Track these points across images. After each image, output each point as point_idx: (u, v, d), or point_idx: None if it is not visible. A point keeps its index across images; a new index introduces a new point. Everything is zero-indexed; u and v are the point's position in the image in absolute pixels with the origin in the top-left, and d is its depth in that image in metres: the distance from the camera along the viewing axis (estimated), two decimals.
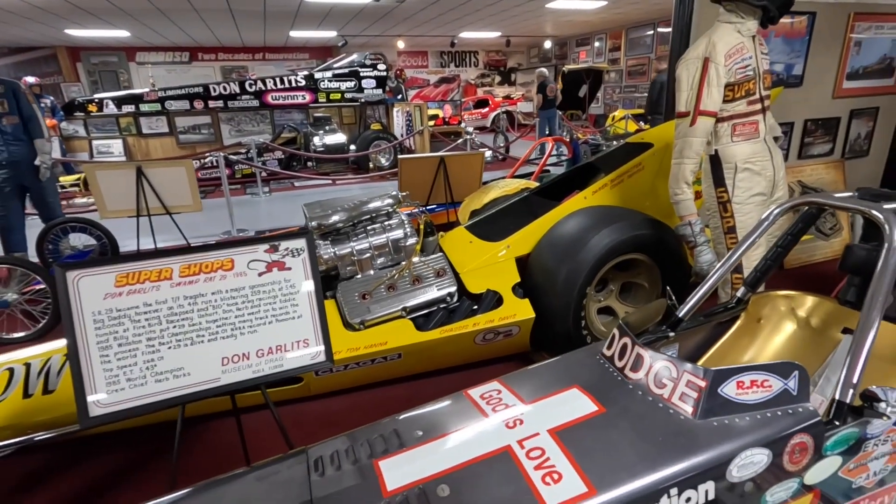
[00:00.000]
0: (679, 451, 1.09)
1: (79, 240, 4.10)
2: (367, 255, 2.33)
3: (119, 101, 8.23)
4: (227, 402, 1.62)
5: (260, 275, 1.38)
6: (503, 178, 4.23)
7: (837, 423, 1.18)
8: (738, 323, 1.82)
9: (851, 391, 1.19)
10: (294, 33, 12.50)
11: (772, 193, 2.17)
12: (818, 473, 1.19)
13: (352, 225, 2.40)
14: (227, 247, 1.37)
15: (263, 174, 7.76)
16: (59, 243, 4.07)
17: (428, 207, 3.55)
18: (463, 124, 10.11)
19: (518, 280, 2.41)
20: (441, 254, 2.43)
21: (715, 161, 2.11)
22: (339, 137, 8.86)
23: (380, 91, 9.22)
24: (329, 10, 9.83)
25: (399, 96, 9.71)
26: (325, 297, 2.32)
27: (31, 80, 8.38)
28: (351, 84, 9.10)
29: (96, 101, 8.13)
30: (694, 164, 2.07)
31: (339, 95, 9.11)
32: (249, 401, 2.08)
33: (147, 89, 8.71)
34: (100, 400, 1.25)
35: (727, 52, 1.96)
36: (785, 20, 3.36)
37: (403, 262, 2.33)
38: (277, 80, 8.90)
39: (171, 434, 1.40)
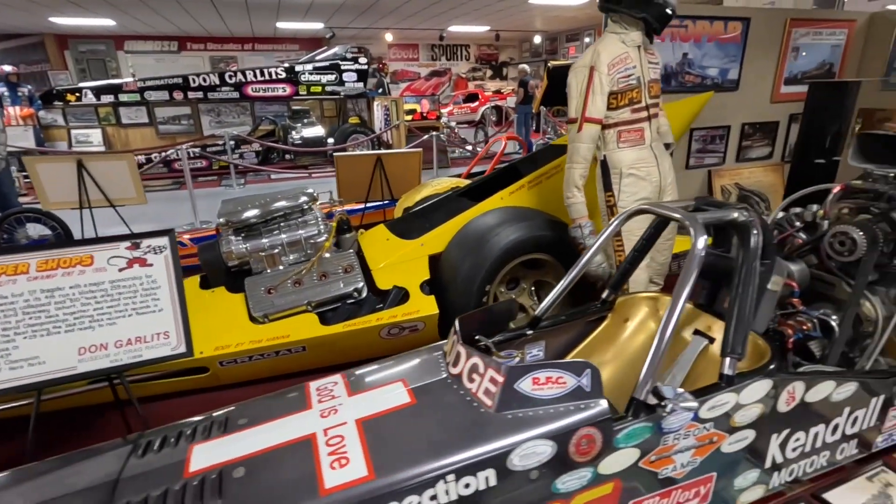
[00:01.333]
0: (468, 440, 1.18)
1: (34, 230, 4.20)
2: (277, 250, 2.42)
3: (98, 91, 8.27)
4: (108, 393, 1.70)
5: (120, 270, 1.48)
6: (458, 175, 4.32)
7: (632, 418, 1.27)
8: (605, 322, 1.92)
9: (646, 389, 1.28)
10: (281, 24, 12.51)
11: (659, 198, 2.24)
12: (613, 464, 1.29)
13: (265, 221, 2.49)
14: (87, 244, 1.46)
15: (239, 167, 7.83)
16: (15, 233, 4.17)
17: (367, 206, 3.63)
18: (444, 118, 10.15)
19: (427, 277, 2.50)
20: (351, 251, 2.52)
21: (603, 166, 2.19)
22: (318, 130, 8.92)
23: (361, 85, 9.27)
24: (311, 2, 9.84)
25: (380, 90, 9.75)
26: (235, 291, 2.42)
27: (7, 68, 8.42)
28: (332, 77, 9.14)
29: (75, 90, 8.18)
30: (582, 168, 2.15)
31: (319, 88, 9.15)
32: (143, 391, 2.14)
33: (129, 80, 8.75)
34: None
35: (610, 61, 2.03)
36: (719, 25, 3.42)
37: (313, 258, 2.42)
38: (258, 71, 8.94)
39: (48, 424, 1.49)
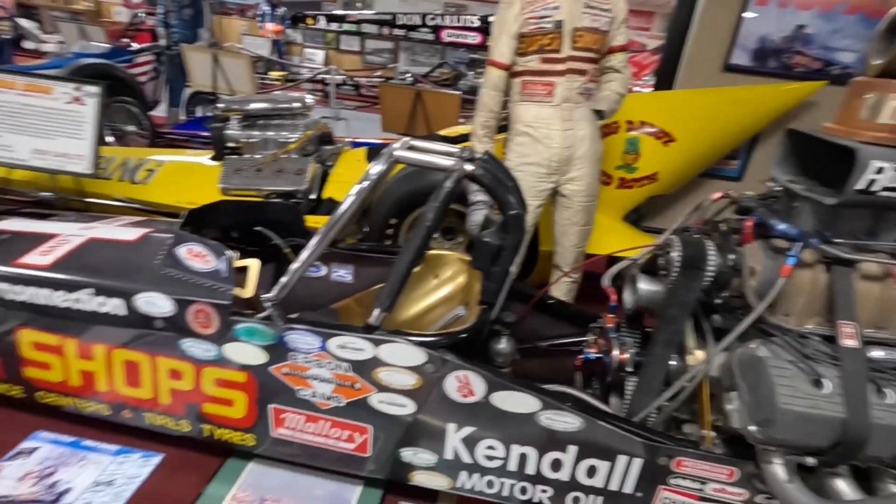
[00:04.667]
0: (124, 278, 1.41)
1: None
2: (256, 141, 2.84)
3: (329, 19, 9.92)
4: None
5: (66, 103, 2.06)
6: None
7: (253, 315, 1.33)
8: (414, 270, 1.83)
9: (271, 294, 1.30)
10: None
11: (558, 170, 1.90)
12: (238, 354, 1.37)
13: (260, 116, 2.92)
14: (52, 79, 2.07)
15: None
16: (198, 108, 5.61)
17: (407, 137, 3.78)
18: None
19: None
20: (310, 157, 2.80)
21: (509, 119, 1.96)
22: None
23: None
24: None
25: None
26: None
27: None
28: None
29: (313, 16, 9.96)
30: (483, 117, 1.97)
31: None
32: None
33: (353, 11, 10.23)
34: None
35: None
36: None
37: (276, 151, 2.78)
38: (455, 17, 9.47)
39: None
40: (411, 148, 1.37)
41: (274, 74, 9.36)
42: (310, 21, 10.04)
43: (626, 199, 2.73)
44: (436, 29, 9.69)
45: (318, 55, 10.33)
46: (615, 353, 1.39)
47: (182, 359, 1.42)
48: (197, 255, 1.38)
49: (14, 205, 2.72)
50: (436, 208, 1.25)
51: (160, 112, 5.67)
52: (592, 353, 1.48)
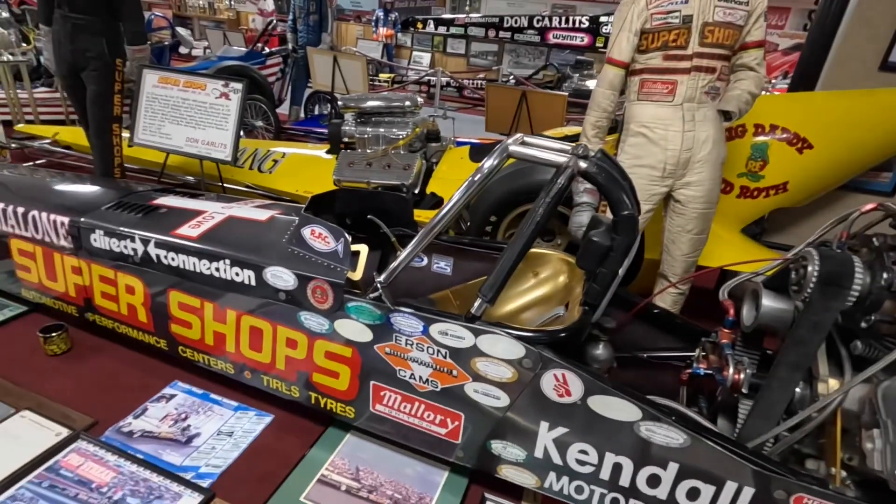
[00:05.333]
0: (260, 252, 1.58)
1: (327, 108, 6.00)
2: (369, 137, 3.01)
3: (437, 23, 10.24)
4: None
5: (216, 98, 2.35)
6: None
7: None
8: None
9: (383, 276, 1.39)
10: None
11: (673, 173, 1.79)
12: (347, 329, 1.49)
13: (374, 113, 3.09)
14: (207, 77, 2.37)
15: None
16: (315, 106, 6.06)
17: None
18: None
19: None
20: (417, 154, 2.90)
21: (623, 121, 1.88)
22: (593, 84, 8.82)
23: None
24: None
25: None
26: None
27: None
28: None
29: (423, 20, 10.34)
30: (595, 117, 1.91)
31: None
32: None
33: (460, 16, 10.45)
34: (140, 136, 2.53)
35: None
36: None
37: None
38: (563, 19, 9.30)
39: None
40: (524, 143, 1.38)
41: (383, 76, 9.85)
42: (419, 25, 10.45)
43: (746, 209, 2.50)
44: (542, 31, 9.60)
45: (426, 58, 10.66)
46: (730, 371, 1.28)
47: (298, 329, 1.56)
48: (319, 237, 1.51)
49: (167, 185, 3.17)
50: (546, 204, 1.25)
51: (283, 110, 6.23)
52: (702, 368, 1.38)
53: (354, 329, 1.47)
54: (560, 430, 1.33)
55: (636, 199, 1.35)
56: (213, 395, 1.84)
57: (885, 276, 1.08)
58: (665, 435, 1.22)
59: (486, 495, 1.55)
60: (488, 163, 1.32)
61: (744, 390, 1.32)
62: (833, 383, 1.19)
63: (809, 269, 1.15)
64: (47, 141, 3.82)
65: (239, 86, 2.41)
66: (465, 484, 1.57)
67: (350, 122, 3.13)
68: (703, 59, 1.71)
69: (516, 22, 9.64)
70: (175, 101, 2.50)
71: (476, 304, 1.31)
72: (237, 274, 1.58)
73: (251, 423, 1.74)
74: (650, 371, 1.75)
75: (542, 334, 1.32)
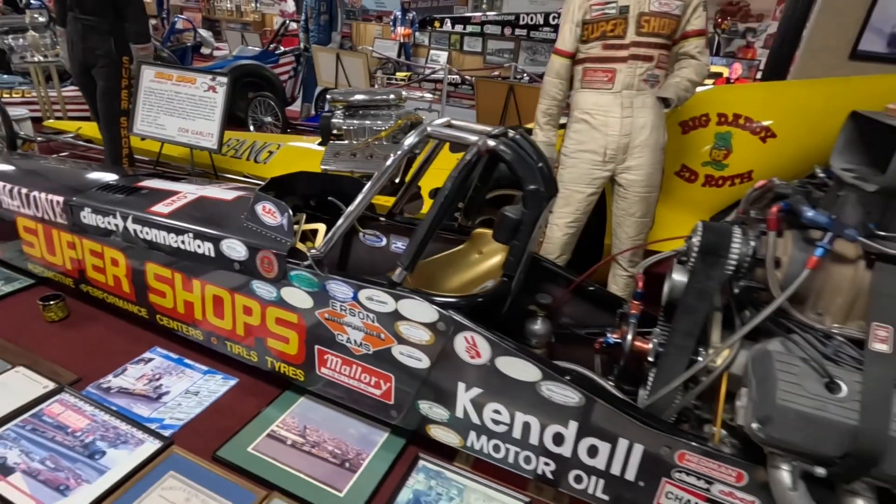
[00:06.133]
0: (222, 226, 1.74)
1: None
2: (355, 129, 3.17)
3: (453, 21, 10.36)
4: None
5: (204, 91, 2.55)
6: None
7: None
8: (460, 247, 1.95)
9: (318, 249, 1.53)
10: None
11: (614, 158, 1.85)
12: (292, 297, 1.63)
13: (361, 106, 3.24)
14: (195, 71, 2.57)
15: None
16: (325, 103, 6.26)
17: None
18: None
19: (439, 187, 2.84)
20: (399, 144, 3.04)
21: (570, 109, 1.96)
22: None
23: None
24: None
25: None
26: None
27: None
28: None
29: (440, 19, 10.47)
30: (546, 105, 2.00)
31: None
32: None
33: (477, 14, 10.54)
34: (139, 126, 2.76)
35: None
36: None
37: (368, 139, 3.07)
38: None
39: None
40: (449, 125, 1.49)
41: (400, 75, 10.04)
42: (437, 24, 10.59)
43: (713, 197, 2.53)
44: (558, 28, 9.57)
45: (443, 56, 10.79)
46: (628, 337, 1.37)
47: (252, 297, 1.71)
48: (268, 212, 1.66)
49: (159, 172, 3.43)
50: (453, 179, 1.36)
51: (295, 107, 6.48)
52: (613, 337, 1.46)
53: (297, 296, 1.61)
54: (475, 391, 1.44)
55: (549, 178, 1.44)
56: (186, 360, 2.02)
57: (751, 244, 1.15)
58: (562, 394, 1.31)
59: (421, 454, 1.66)
60: (408, 140, 1.43)
61: (650, 358, 1.40)
62: (725, 351, 1.26)
63: (693, 240, 1.22)
64: (71, 135, 4.13)
65: (224, 79, 2.61)
66: (402, 444, 1.70)
67: (339, 114, 3.29)
68: (640, 47, 1.78)
69: (532, 19, 9.67)
70: (169, 95, 2.72)
71: (396, 271, 1.43)
72: (199, 246, 1.75)
73: (216, 385, 1.91)
74: (588, 347, 1.83)
75: (460, 299, 1.43)
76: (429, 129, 1.44)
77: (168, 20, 10.10)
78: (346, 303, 1.53)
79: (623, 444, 1.29)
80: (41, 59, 4.62)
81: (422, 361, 1.48)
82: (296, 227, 1.80)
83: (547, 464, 1.42)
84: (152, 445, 1.61)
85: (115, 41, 2.86)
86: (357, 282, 1.48)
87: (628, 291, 2.14)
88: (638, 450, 1.27)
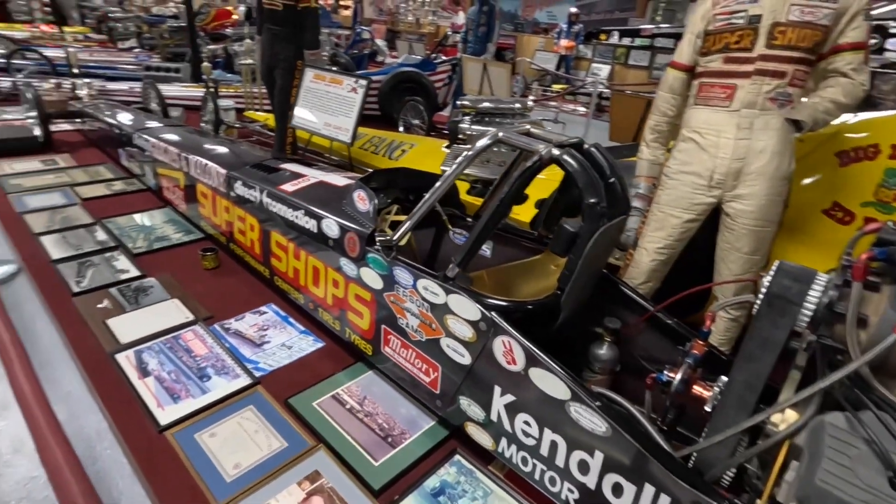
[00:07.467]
0: (324, 205, 2.01)
1: None
2: (477, 133, 3.29)
3: (621, 34, 9.93)
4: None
5: (347, 92, 2.91)
6: None
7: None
8: (536, 257, 1.92)
9: (395, 235, 1.68)
10: None
11: (722, 184, 1.63)
12: (367, 276, 1.81)
13: (488, 114, 3.35)
14: (343, 74, 2.94)
15: None
16: None
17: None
18: None
19: None
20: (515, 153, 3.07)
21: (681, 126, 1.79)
22: None
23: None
24: None
25: None
26: None
27: (573, 9, 11.02)
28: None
29: (607, 31, 10.13)
30: (654, 121, 1.87)
31: None
32: None
33: (647, 25, 9.95)
34: (297, 119, 3.26)
35: None
36: None
37: None
38: None
39: None
40: (528, 134, 1.51)
41: (556, 87, 9.98)
42: (602, 37, 10.28)
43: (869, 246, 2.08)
44: None
45: (604, 70, 10.43)
46: (678, 375, 1.23)
47: (339, 272, 1.93)
48: (361, 199, 1.86)
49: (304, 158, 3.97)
50: (510, 183, 1.37)
51: (446, 112, 6.89)
52: (667, 375, 1.33)
53: (371, 276, 1.78)
54: (509, 397, 1.43)
55: (621, 195, 1.37)
56: (290, 319, 2.35)
57: (830, 293, 0.96)
58: (590, 420, 1.24)
59: (458, 450, 1.70)
60: (479, 143, 1.49)
61: (707, 408, 1.25)
62: (790, 413, 1.07)
63: (764, 280, 1.06)
64: (259, 124, 5.00)
65: (364, 83, 2.95)
66: (444, 435, 1.75)
67: (467, 120, 3.46)
68: (770, 62, 1.56)
69: None
70: (321, 93, 3.17)
71: (449, 266, 1.50)
72: (307, 222, 2.03)
73: (307, 345, 2.19)
74: None
75: (507, 303, 1.44)
76: (500, 134, 1.47)
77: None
78: (407, 289, 1.64)
79: (649, 490, 1.17)
80: (251, 61, 5.68)
81: (465, 357, 1.52)
82: (387, 216, 1.99)
83: (571, 490, 1.36)
84: (244, 381, 1.92)
85: (295, 47, 3.43)
86: (416, 271, 1.59)
87: (729, 336, 1.89)
88: (665, 502, 1.15)
